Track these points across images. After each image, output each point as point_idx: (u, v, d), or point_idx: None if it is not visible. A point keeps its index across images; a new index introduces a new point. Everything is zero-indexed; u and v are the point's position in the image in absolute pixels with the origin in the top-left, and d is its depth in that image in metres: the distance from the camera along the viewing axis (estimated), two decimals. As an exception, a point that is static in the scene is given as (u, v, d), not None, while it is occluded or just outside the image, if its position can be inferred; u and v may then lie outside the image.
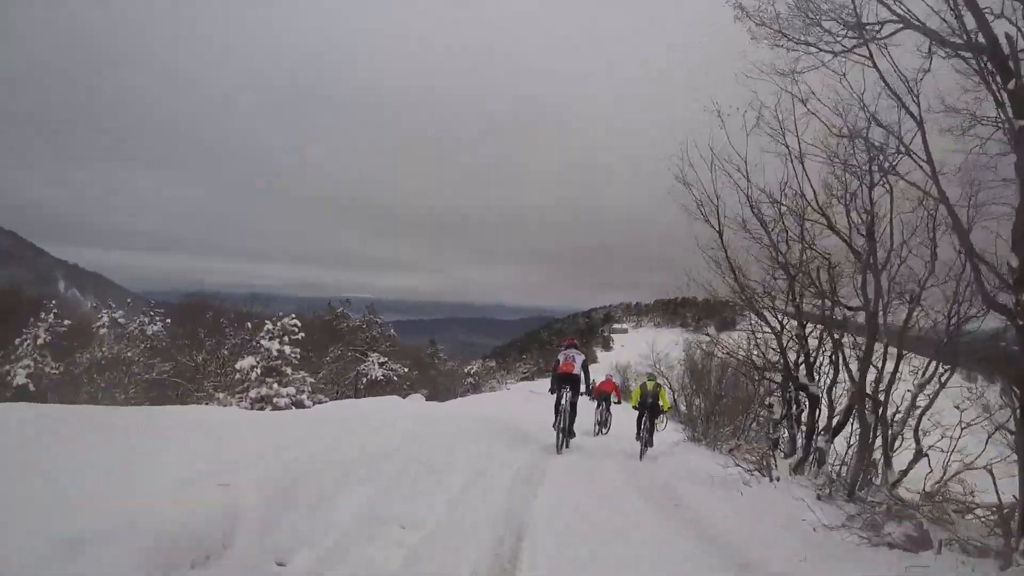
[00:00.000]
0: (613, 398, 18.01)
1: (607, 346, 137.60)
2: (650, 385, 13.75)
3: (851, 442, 8.00)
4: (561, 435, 11.18)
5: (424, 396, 19.20)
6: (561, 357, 11.94)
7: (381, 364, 28.74)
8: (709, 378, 14.64)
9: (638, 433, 13.23)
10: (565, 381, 11.61)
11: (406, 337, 56.54)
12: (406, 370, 30.24)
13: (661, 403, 13.56)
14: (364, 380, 27.70)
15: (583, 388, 11.83)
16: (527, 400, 27.24)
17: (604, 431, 17.19)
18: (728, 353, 9.86)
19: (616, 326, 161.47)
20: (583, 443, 13.09)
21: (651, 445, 12.55)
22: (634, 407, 13.84)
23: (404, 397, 17.28)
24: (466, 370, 46.66)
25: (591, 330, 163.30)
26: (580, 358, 11.92)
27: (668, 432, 16.77)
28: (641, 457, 11.80)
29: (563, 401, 11.33)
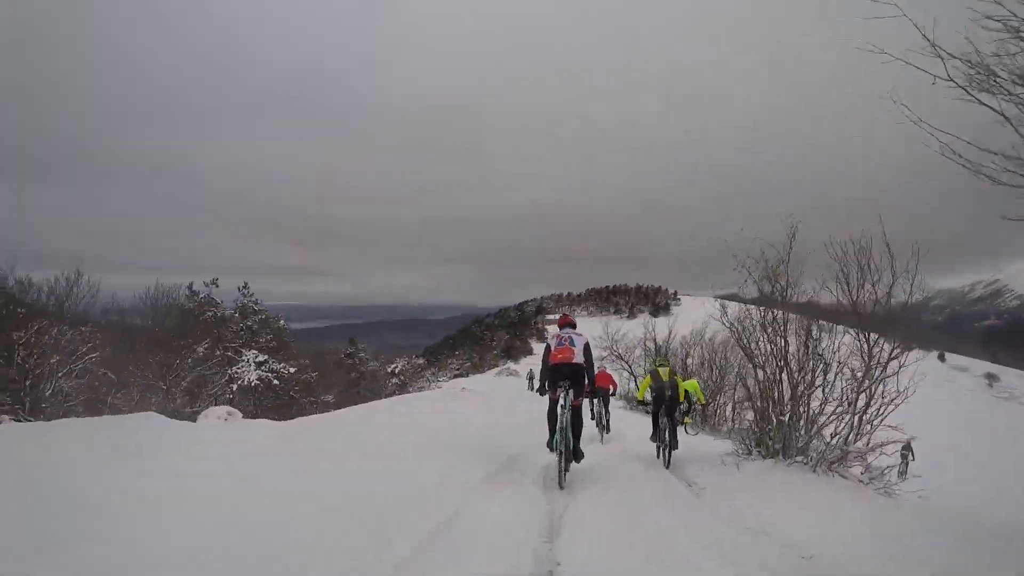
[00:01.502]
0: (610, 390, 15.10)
1: (541, 337, 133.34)
2: (663, 372, 10.62)
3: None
4: (562, 459, 7.16)
5: (232, 411, 11.66)
6: (553, 341, 7.97)
7: (260, 364, 21.07)
8: (782, 350, 8.39)
9: (655, 433, 10.36)
10: (562, 375, 7.59)
11: (336, 341, 50.01)
12: (293, 370, 22.62)
13: (695, 396, 10.96)
14: (234, 387, 20.25)
15: (588, 385, 7.81)
16: (462, 400, 20.50)
17: (605, 433, 14.25)
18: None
19: (549, 317, 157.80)
20: (590, 462, 8.46)
21: (675, 447, 9.73)
22: (640, 401, 11.80)
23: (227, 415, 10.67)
24: (389, 369, 40.04)
25: (523, 322, 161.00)
26: (582, 341, 7.93)
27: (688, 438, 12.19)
28: (668, 465, 9.41)
29: (562, 406, 7.38)
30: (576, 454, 7.43)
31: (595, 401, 14.41)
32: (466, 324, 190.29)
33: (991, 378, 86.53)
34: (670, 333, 23.95)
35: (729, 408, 21.57)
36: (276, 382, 20.15)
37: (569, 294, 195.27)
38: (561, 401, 7.33)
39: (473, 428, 11.70)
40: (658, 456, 10.15)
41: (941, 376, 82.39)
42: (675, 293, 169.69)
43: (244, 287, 24.60)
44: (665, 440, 9.78)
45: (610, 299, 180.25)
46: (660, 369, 10.72)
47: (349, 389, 37.22)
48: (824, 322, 8.39)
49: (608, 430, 14.34)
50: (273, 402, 19.68)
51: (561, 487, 6.87)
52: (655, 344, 23.88)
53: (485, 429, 11.62)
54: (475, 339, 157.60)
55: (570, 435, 7.21)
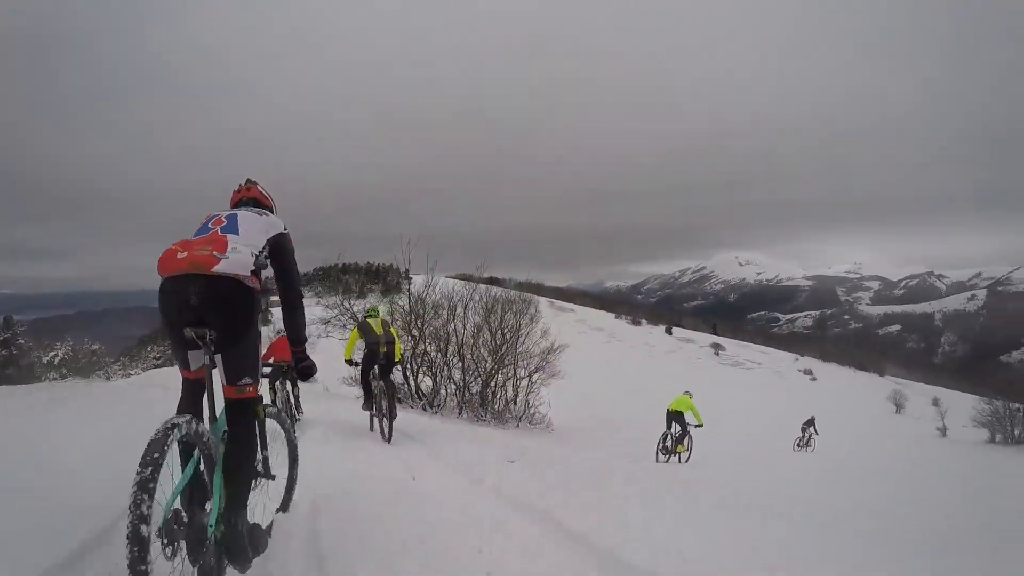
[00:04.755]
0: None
1: (266, 320, 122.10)
2: (374, 324, 9.11)
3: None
4: None
5: None
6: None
7: None
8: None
9: (367, 400, 9.06)
10: (186, 315, 2.86)
11: (49, 336, 36.89)
12: None
13: (692, 418, 13.87)
14: None
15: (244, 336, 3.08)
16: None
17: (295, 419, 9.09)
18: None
19: (274, 298, 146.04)
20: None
21: (395, 416, 8.55)
22: (348, 360, 9.82)
23: None
24: (46, 359, 29.64)
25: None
26: (260, 223, 3.33)
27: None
28: (389, 439, 8.23)
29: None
30: (234, 551, 2.86)
31: (280, 380, 9.23)
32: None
33: (716, 347, 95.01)
34: (429, 280, 18.28)
35: (511, 389, 16.69)
36: None
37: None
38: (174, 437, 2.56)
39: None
40: (371, 427, 9.02)
41: (671, 346, 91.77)
42: (407, 272, 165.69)
43: None
44: (383, 409, 8.50)
45: (340, 278, 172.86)
46: (370, 320, 9.21)
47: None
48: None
49: (301, 413, 9.85)
50: None
51: None
52: (409, 299, 17.98)
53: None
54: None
55: (219, 500, 2.85)
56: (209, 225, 3.18)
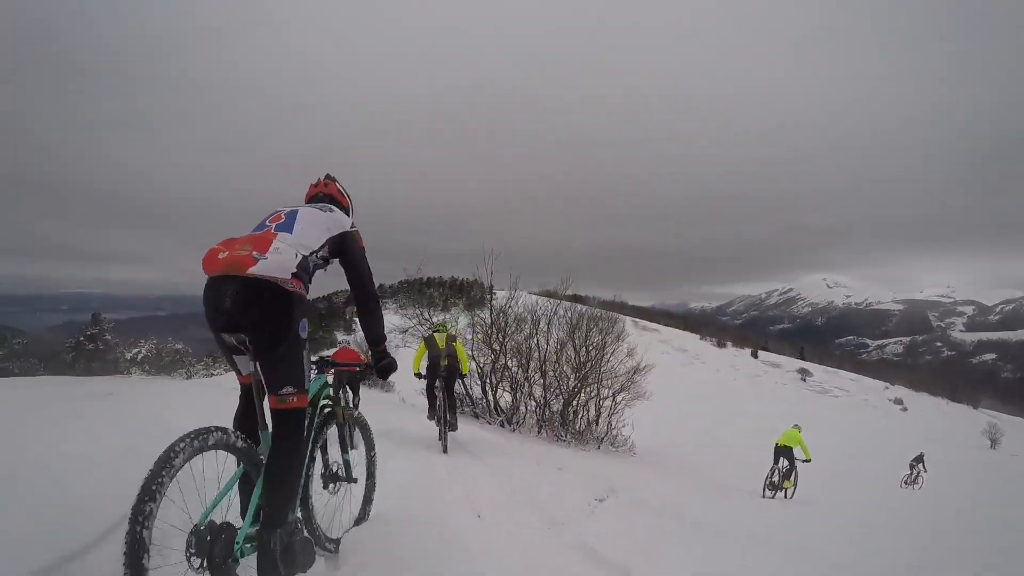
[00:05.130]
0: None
1: (349, 328, 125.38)
2: (439, 339, 9.70)
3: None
4: None
5: None
6: None
7: None
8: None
9: (431, 410, 9.63)
10: (223, 318, 2.83)
11: (137, 335, 38.39)
12: None
13: (800, 452, 13.78)
14: None
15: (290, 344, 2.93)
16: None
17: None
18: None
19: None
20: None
21: (455, 428, 9.28)
22: (416, 374, 10.07)
23: None
24: (128, 356, 30.79)
25: (332, 314, 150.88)
26: (321, 220, 3.22)
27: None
28: (445, 448, 8.53)
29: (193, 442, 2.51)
30: (264, 570, 2.73)
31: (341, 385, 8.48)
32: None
33: (803, 373, 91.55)
34: (512, 294, 17.66)
35: (593, 409, 15.82)
36: None
37: (381, 285, 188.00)
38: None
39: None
40: (439, 438, 8.90)
41: (757, 370, 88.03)
42: (491, 287, 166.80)
43: None
44: (446, 419, 8.81)
45: (423, 290, 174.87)
46: (436, 335, 9.74)
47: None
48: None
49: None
50: None
51: None
52: (491, 313, 17.28)
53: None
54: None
55: (251, 514, 2.80)
56: (267, 222, 3.11)
